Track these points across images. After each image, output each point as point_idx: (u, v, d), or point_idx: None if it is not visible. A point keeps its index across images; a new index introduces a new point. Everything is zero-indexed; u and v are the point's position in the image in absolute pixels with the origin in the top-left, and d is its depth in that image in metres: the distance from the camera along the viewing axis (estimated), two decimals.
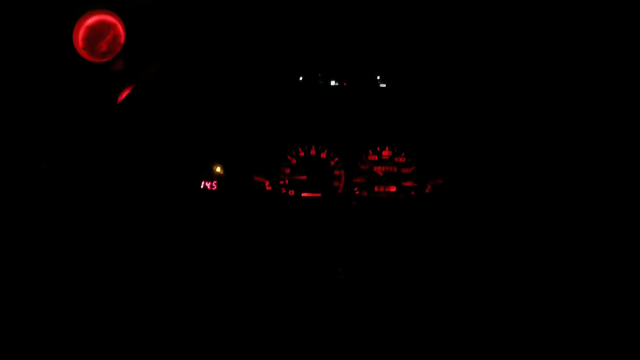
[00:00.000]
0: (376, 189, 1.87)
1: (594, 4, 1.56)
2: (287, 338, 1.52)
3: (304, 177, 1.85)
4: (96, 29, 1.49)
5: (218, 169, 1.75)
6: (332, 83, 1.82)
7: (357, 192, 1.86)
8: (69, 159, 1.56)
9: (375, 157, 1.87)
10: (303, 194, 1.85)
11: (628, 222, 1.57)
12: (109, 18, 1.48)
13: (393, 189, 1.87)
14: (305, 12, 1.67)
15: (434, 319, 1.58)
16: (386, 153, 1.87)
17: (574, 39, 1.66)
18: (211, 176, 1.76)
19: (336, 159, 1.85)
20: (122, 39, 1.50)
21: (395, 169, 1.87)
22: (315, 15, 1.68)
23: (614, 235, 1.59)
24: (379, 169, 1.86)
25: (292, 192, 1.85)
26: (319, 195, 1.85)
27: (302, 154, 1.85)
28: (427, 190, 1.86)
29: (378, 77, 1.83)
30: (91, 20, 1.48)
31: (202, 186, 1.74)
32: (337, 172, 1.86)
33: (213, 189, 1.76)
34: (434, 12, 1.69)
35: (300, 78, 1.80)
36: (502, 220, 1.74)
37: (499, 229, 1.73)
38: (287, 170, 1.85)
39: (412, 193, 1.87)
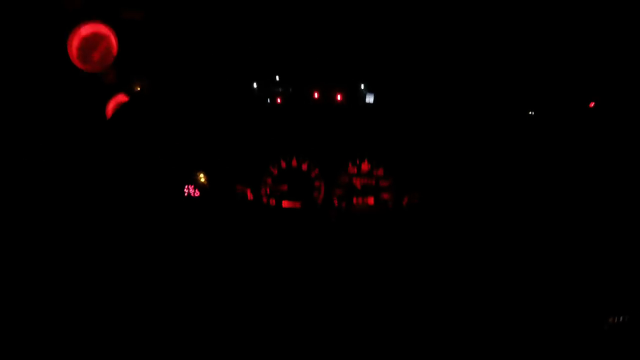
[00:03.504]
0: (355, 200, 1.92)
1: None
2: (267, 346, 1.52)
3: (285, 188, 1.91)
4: (90, 40, 1.59)
5: (202, 179, 1.81)
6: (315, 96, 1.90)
7: (336, 203, 1.91)
8: (60, 165, 1.63)
9: (355, 170, 1.93)
10: (284, 204, 1.90)
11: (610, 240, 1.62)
12: (102, 29, 1.59)
13: (371, 200, 1.92)
14: (291, 22, 1.77)
15: (411, 327, 1.59)
16: (365, 166, 1.93)
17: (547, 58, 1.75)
18: (195, 184, 1.82)
19: (316, 171, 1.91)
20: (115, 50, 1.60)
21: (373, 182, 1.93)
22: (300, 26, 1.79)
23: (596, 253, 1.62)
24: (357, 181, 1.92)
25: (273, 202, 1.90)
26: (298, 205, 1.90)
27: (283, 165, 1.92)
28: (404, 203, 1.91)
29: (361, 92, 1.92)
30: (86, 31, 1.58)
31: (185, 193, 1.80)
32: (317, 184, 1.91)
33: (196, 195, 1.81)
34: (412, 27, 1.79)
35: (290, 90, 1.89)
36: (477, 233, 1.78)
37: (474, 242, 1.76)
38: (269, 180, 1.91)
39: (390, 205, 1.92)
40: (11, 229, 1.52)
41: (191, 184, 1.81)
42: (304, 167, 1.92)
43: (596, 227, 1.68)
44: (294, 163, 1.92)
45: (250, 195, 1.89)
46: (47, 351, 1.39)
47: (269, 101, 1.90)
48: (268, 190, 1.91)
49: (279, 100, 1.86)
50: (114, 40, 1.60)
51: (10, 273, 1.47)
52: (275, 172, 1.91)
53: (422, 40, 1.81)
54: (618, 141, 1.75)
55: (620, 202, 1.68)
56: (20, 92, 1.61)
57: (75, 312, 1.47)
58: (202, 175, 1.82)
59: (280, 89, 1.86)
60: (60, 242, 1.57)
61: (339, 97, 1.84)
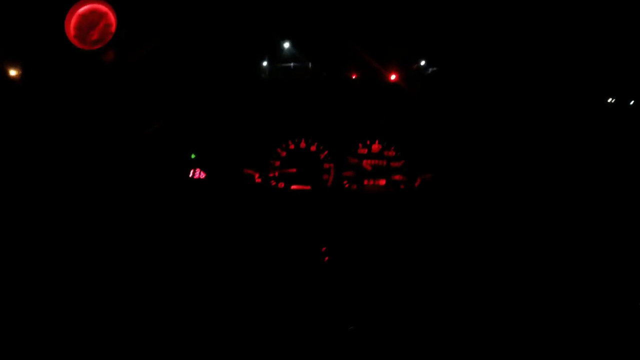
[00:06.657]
0: (365, 182, 1.87)
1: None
2: (275, 329, 1.51)
3: (294, 170, 1.85)
4: (88, 18, 1.51)
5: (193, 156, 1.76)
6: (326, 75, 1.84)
7: (346, 186, 1.86)
8: (59, 150, 1.58)
9: (365, 151, 1.87)
10: (292, 187, 1.86)
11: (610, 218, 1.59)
12: (100, 7, 1.51)
13: (382, 182, 1.87)
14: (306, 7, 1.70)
15: (422, 311, 1.57)
16: (376, 147, 1.87)
17: (560, 41, 1.68)
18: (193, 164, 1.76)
19: (326, 152, 1.86)
20: (113, 28, 1.52)
21: (384, 163, 1.87)
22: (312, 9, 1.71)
23: (600, 233, 1.60)
24: (368, 163, 1.87)
25: (281, 185, 1.85)
26: (308, 187, 1.85)
27: (292, 147, 1.86)
28: (416, 184, 1.86)
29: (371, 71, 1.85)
30: (83, 8, 1.50)
31: (190, 175, 1.75)
32: (326, 166, 1.86)
33: (201, 177, 1.76)
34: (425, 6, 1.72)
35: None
36: (490, 215, 1.75)
37: (488, 223, 1.73)
38: (277, 163, 1.85)
39: (402, 187, 1.87)
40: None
41: (197, 167, 1.76)
42: (313, 148, 1.86)
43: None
44: (303, 145, 1.86)
45: (257, 179, 1.84)
46: (48, 347, 1.37)
47: (275, 81, 1.83)
48: (276, 173, 1.85)
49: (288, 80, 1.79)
50: (112, 17, 1.52)
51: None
52: (284, 154, 1.85)
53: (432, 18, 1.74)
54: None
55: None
56: (17, 73, 1.55)
57: (77, 299, 1.45)
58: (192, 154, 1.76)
59: (288, 67, 1.79)
60: (61, 227, 1.53)
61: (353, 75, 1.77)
